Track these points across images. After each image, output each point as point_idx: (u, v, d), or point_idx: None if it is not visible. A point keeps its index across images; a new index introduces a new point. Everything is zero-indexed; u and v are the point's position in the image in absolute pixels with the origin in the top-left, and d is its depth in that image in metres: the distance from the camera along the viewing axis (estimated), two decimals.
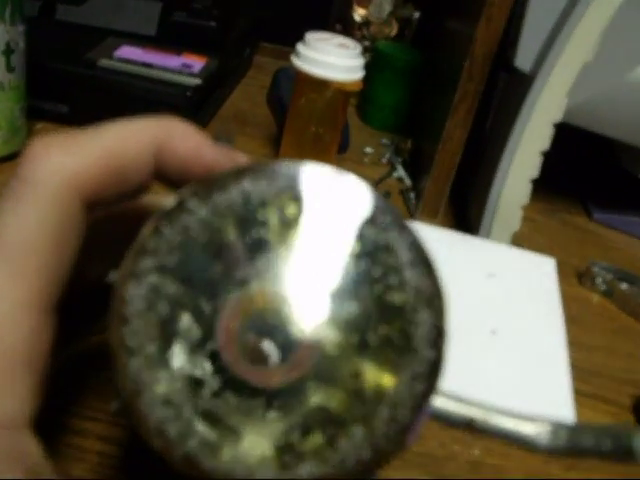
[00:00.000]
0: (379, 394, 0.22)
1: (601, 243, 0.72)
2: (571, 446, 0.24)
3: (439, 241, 0.58)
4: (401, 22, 0.89)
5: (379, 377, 0.22)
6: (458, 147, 0.63)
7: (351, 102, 0.87)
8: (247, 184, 0.23)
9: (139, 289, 0.22)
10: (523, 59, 0.57)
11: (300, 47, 0.63)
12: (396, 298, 0.23)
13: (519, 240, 0.65)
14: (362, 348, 0.22)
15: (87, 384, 0.41)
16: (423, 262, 0.23)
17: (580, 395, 0.51)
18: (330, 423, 0.22)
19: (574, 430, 0.24)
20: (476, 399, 0.43)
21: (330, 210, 0.23)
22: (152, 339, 0.22)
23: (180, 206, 0.23)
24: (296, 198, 0.23)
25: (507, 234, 0.62)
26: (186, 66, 0.69)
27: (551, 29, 0.56)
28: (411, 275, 0.23)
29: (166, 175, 0.25)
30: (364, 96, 0.85)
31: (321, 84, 0.62)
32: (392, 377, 0.22)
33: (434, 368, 0.23)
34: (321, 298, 0.22)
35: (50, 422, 0.38)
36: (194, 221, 0.22)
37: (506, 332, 0.52)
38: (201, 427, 0.22)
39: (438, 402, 0.24)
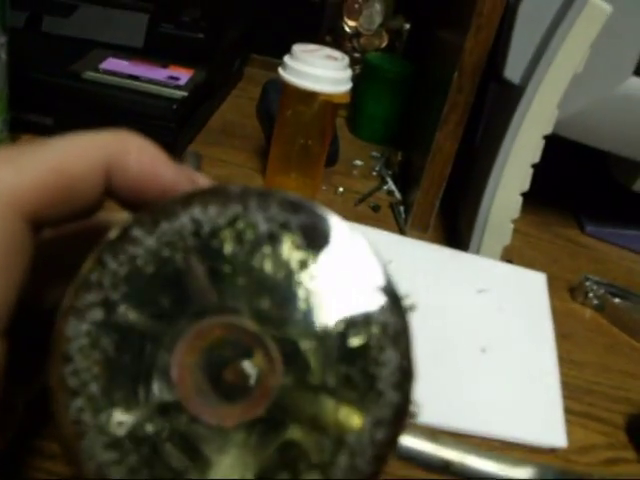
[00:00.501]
0: (338, 440, 0.20)
1: (594, 256, 0.71)
2: None
3: (428, 257, 0.57)
4: (391, 34, 0.88)
5: (338, 422, 0.20)
6: (448, 159, 0.62)
7: (341, 114, 0.86)
8: (197, 211, 0.21)
9: (81, 325, 0.20)
10: (512, 70, 0.56)
11: (287, 59, 0.62)
12: (360, 335, 0.21)
13: (510, 254, 0.64)
14: (321, 389, 0.20)
15: None
16: (389, 294, 0.21)
17: (572, 414, 0.50)
18: (286, 468, 0.20)
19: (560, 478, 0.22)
20: (455, 428, 0.42)
21: (288, 237, 0.21)
22: (95, 378, 0.20)
23: (124, 236, 0.21)
24: (251, 224, 0.21)
25: (498, 248, 0.61)
26: (172, 78, 0.68)
27: (540, 40, 0.55)
28: (376, 310, 0.21)
29: (119, 195, 0.23)
30: (354, 108, 0.84)
31: (308, 96, 0.62)
32: (353, 422, 0.20)
33: (399, 413, 0.20)
34: (279, 331, 0.20)
35: (20, 446, 0.37)
36: (140, 251, 0.20)
37: (496, 350, 0.51)
38: (146, 472, 0.20)
39: (411, 443, 0.22)
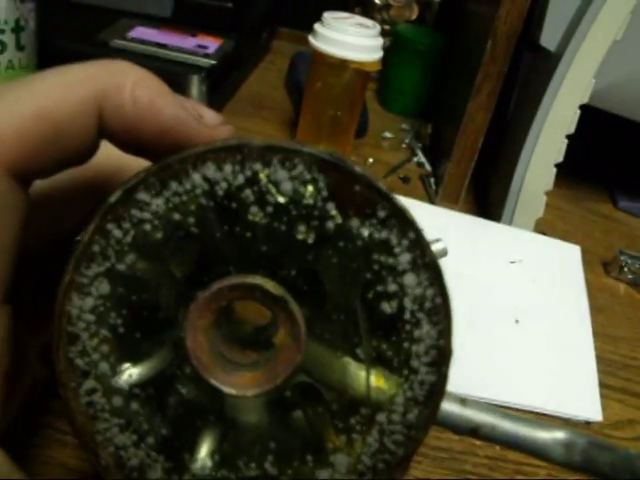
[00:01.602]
0: (366, 420, 0.19)
1: (627, 232, 0.70)
2: (586, 465, 0.21)
3: (460, 226, 0.56)
4: (422, 5, 0.86)
5: (367, 397, 0.19)
6: (480, 130, 0.61)
7: (370, 87, 0.85)
8: (210, 169, 0.18)
9: (86, 301, 0.19)
10: (549, 37, 0.55)
11: (318, 27, 0.61)
12: (392, 306, 0.19)
13: (543, 228, 0.63)
14: (349, 359, 0.19)
15: None
16: (427, 266, 0.19)
17: (608, 389, 0.49)
18: (309, 450, 0.19)
19: (591, 447, 0.21)
20: (488, 399, 0.41)
21: (314, 198, 0.18)
22: (105, 357, 0.19)
23: (128, 199, 0.18)
24: (273, 183, 0.18)
25: (530, 221, 0.59)
26: (201, 47, 0.67)
27: (578, 6, 0.53)
28: (411, 281, 0.19)
29: (115, 136, 0.20)
30: (384, 81, 0.83)
31: (339, 65, 0.60)
32: (383, 398, 0.19)
33: (433, 394, 0.19)
34: (301, 300, 0.19)
35: (33, 405, 0.37)
36: (147, 216, 0.18)
37: (530, 321, 0.50)
38: (162, 458, 0.19)
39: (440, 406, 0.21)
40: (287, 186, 0.18)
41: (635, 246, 0.67)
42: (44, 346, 0.25)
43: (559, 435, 0.21)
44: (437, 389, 0.19)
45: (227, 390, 0.19)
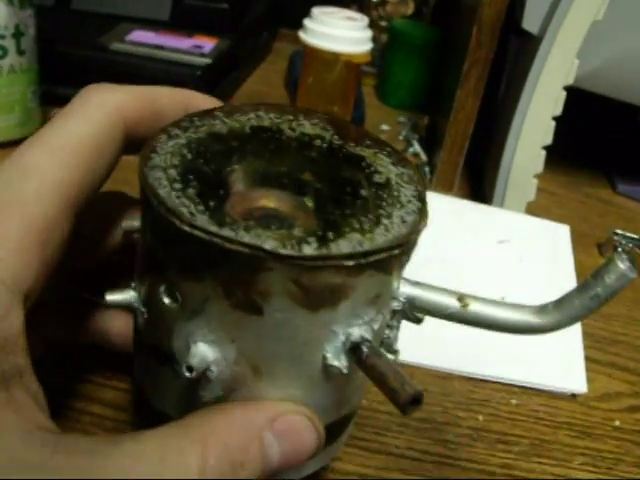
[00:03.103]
0: (375, 219, 0.25)
1: (625, 215, 0.70)
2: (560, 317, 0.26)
3: (448, 209, 0.57)
4: (417, 1, 0.87)
5: (374, 213, 0.26)
6: (470, 116, 0.62)
7: (369, 82, 0.86)
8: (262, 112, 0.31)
9: (168, 143, 0.27)
10: (530, 20, 0.56)
11: (307, 22, 0.63)
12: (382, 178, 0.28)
13: (537, 212, 0.63)
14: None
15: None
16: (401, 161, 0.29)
17: (596, 363, 0.49)
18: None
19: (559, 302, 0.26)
20: (474, 374, 0.43)
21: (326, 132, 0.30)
22: (175, 167, 0.25)
23: (207, 113, 0.29)
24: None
25: (521, 204, 0.60)
26: (197, 47, 0.69)
27: None
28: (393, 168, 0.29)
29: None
30: (382, 76, 0.84)
31: (329, 58, 0.62)
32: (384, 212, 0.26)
33: (420, 217, 0.26)
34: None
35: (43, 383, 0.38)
36: (219, 123, 0.29)
37: (516, 299, 0.50)
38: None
39: (417, 292, 0.27)
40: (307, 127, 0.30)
41: (634, 229, 0.67)
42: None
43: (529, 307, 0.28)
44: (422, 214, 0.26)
45: None
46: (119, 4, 0.76)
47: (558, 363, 0.47)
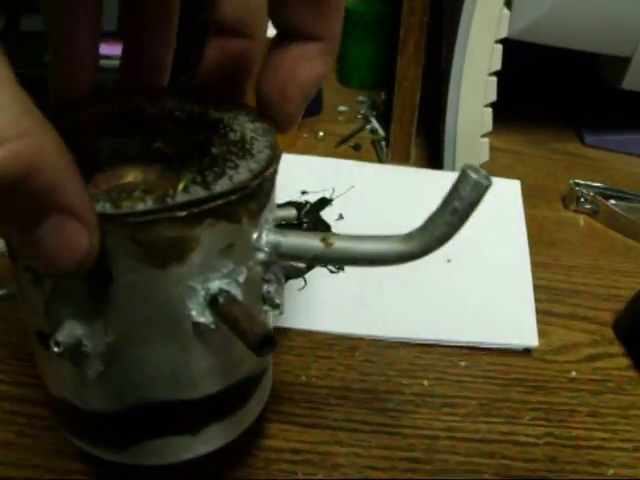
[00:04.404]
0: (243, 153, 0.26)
1: (594, 166, 0.68)
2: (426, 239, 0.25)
3: (389, 178, 0.56)
4: None
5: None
6: (414, 84, 0.61)
7: None
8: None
9: None
10: None
11: None
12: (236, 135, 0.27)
13: (498, 172, 0.62)
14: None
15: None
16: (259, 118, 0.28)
17: (554, 316, 0.48)
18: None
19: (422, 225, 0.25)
20: (424, 340, 0.42)
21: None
22: None
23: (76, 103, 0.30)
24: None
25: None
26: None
27: None
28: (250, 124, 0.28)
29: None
30: (340, 58, 0.83)
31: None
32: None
33: (270, 160, 0.26)
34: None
35: None
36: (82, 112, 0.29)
37: (463, 259, 0.49)
38: None
39: (280, 239, 0.26)
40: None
41: (603, 178, 0.65)
42: None
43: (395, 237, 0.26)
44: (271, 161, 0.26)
45: None
46: None
47: (508, 319, 0.46)
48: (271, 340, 0.23)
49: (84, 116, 0.29)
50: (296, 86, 0.27)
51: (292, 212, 0.31)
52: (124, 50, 0.31)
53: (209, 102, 0.30)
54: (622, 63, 0.63)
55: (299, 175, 0.55)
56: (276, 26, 0.27)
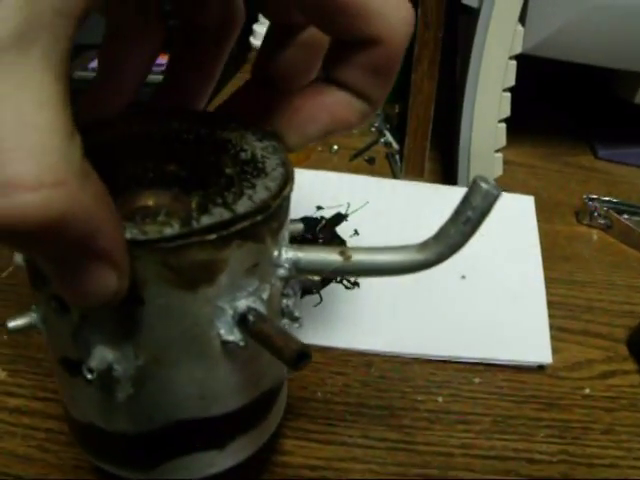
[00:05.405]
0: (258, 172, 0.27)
1: (607, 180, 0.68)
2: (441, 248, 0.25)
3: (405, 193, 0.56)
4: None
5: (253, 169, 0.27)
6: (429, 99, 0.61)
7: None
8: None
9: None
10: None
11: (256, 27, 0.63)
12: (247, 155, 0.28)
13: (511, 187, 0.62)
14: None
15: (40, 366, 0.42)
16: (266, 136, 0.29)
17: (568, 332, 0.48)
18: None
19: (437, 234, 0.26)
20: (437, 356, 0.43)
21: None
22: None
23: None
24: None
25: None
26: (158, 65, 0.70)
27: None
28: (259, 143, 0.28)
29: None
30: None
31: None
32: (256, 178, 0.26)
33: (284, 180, 0.26)
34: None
35: None
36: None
37: (477, 276, 0.50)
38: None
39: (300, 255, 0.27)
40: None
41: (615, 192, 0.65)
42: None
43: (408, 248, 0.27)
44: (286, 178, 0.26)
45: None
46: (81, 33, 0.77)
47: (522, 336, 0.46)
48: (307, 354, 0.24)
49: (96, 139, 0.29)
50: (320, 125, 0.28)
51: (299, 226, 0.32)
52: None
53: (214, 122, 0.30)
54: (636, 78, 0.63)
55: (314, 190, 0.55)
56: (328, 76, 0.27)
